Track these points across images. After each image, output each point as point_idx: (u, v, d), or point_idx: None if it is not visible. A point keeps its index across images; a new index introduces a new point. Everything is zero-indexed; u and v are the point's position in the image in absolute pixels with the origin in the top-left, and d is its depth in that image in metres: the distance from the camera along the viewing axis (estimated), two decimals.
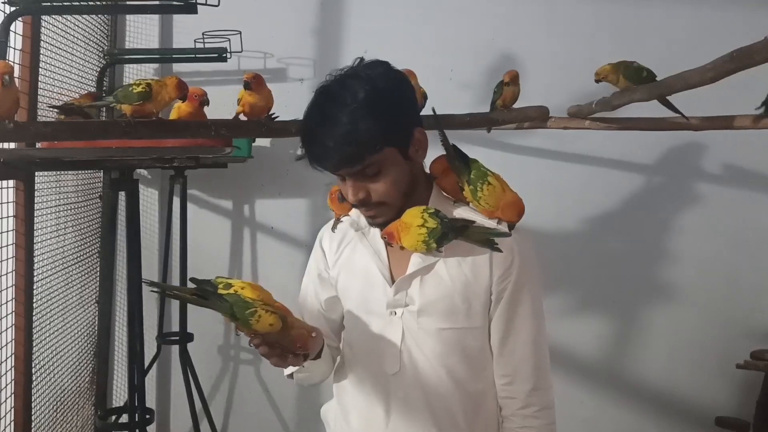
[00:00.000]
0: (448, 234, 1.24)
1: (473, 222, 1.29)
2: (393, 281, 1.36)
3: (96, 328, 2.54)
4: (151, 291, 2.19)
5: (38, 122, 1.24)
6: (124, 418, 2.29)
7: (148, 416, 1.99)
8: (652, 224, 2.75)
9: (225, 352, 2.76)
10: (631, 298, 2.77)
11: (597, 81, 1.78)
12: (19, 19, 1.67)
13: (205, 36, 2.43)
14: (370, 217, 1.35)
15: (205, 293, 1.15)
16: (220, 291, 1.14)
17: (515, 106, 2.05)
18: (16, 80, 1.70)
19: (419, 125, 1.33)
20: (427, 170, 1.41)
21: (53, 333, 2.13)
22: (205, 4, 1.69)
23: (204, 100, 1.61)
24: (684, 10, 2.66)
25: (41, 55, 1.86)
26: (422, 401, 1.34)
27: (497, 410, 1.38)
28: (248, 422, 2.77)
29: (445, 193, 1.41)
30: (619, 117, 2.04)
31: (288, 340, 1.18)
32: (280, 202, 2.73)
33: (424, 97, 1.92)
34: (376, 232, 1.40)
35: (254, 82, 1.65)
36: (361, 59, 1.33)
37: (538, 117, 2.10)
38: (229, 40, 2.47)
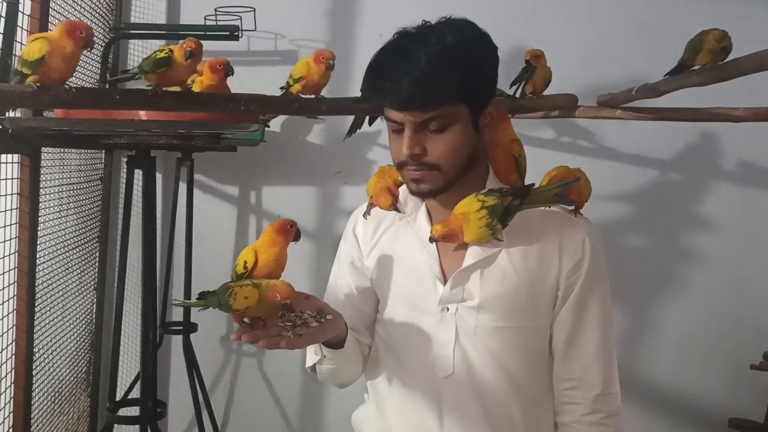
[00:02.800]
0: (512, 206, 1.13)
1: (533, 184, 1.20)
2: (444, 275, 1.24)
3: (93, 317, 2.42)
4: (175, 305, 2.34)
5: (59, 87, 1.12)
6: (126, 411, 2.19)
7: (159, 410, 1.88)
8: (663, 221, 2.69)
9: (227, 343, 2.65)
10: (642, 297, 2.71)
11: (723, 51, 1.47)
12: None
13: (217, 12, 2.32)
14: (415, 181, 1.20)
15: (203, 294, 1.15)
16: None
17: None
18: (19, 45, 1.61)
19: (495, 96, 1.22)
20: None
21: (53, 320, 2.02)
22: None
23: (229, 69, 1.49)
24: (702, 3, 2.60)
25: (49, 24, 1.74)
26: (478, 406, 1.22)
27: (553, 416, 1.27)
28: (249, 416, 2.67)
29: (500, 180, 1.29)
30: (653, 107, 1.97)
31: (269, 307, 1.08)
32: (288, 189, 2.62)
33: None
34: (422, 220, 1.28)
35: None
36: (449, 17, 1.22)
37: (567, 105, 2.03)
38: (241, 17, 2.36)
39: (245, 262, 1.17)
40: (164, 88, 1.30)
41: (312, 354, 1.31)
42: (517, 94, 1.94)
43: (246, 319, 1.11)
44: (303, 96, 1.52)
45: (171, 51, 1.31)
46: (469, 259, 1.21)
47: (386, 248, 1.32)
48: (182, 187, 2.40)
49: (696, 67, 1.50)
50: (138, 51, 2.49)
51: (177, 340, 2.47)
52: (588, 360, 1.23)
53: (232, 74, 1.49)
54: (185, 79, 1.33)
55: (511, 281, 1.20)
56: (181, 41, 1.35)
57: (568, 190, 1.25)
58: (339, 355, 1.26)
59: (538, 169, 1.44)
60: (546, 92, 2.00)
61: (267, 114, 1.95)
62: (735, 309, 2.69)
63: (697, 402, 2.72)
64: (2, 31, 1.44)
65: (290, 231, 1.19)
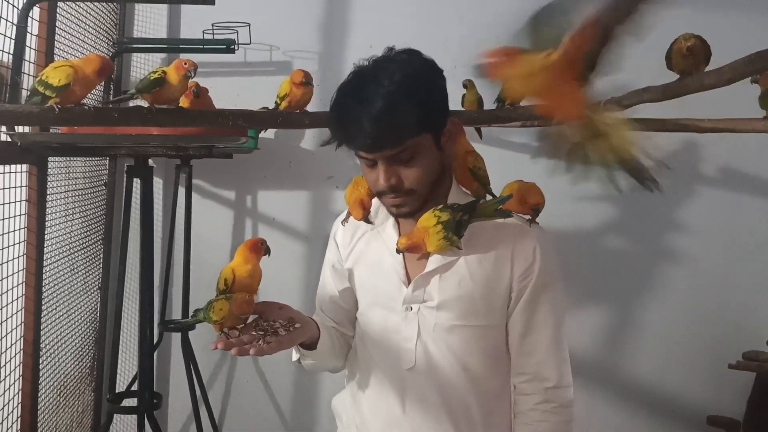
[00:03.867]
0: (462, 220, 1.25)
1: (478, 200, 1.32)
2: (408, 278, 1.36)
3: (98, 315, 2.55)
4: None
5: (65, 107, 1.25)
6: (127, 402, 2.31)
7: (156, 401, 2.02)
8: (647, 224, 2.79)
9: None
10: (625, 297, 2.81)
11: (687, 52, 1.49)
12: (37, 5, 1.68)
13: (214, 27, 2.45)
14: (395, 206, 1.33)
15: (196, 312, 1.33)
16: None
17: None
18: (31, 65, 1.74)
19: (450, 115, 1.33)
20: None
21: (58, 318, 2.15)
22: None
23: (195, 92, 1.60)
24: (684, 13, 2.67)
25: (56, 42, 1.87)
26: (438, 397, 1.35)
27: (511, 407, 1.40)
28: (246, 411, 2.80)
29: (464, 189, 1.42)
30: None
31: (238, 317, 1.25)
32: (282, 194, 2.75)
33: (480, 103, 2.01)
34: (390, 229, 1.41)
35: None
36: (392, 48, 1.33)
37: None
38: (237, 31, 2.48)
39: (225, 280, 1.32)
40: (158, 106, 1.43)
41: (294, 352, 1.46)
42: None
43: (225, 329, 1.25)
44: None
45: (164, 72, 1.43)
46: (430, 265, 1.34)
47: (361, 253, 1.46)
48: (181, 192, 2.53)
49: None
50: (141, 64, 2.62)
51: (176, 338, 2.59)
52: (541, 356, 1.34)
53: (198, 97, 1.58)
54: (177, 97, 1.45)
55: (467, 285, 1.32)
56: (175, 61, 1.47)
57: (537, 203, 1.39)
58: (313, 354, 1.40)
59: (521, 174, 1.53)
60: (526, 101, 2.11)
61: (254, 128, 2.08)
62: (715, 309, 2.78)
63: (677, 400, 2.81)
64: (12, 53, 1.57)
65: (261, 248, 1.34)
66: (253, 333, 1.23)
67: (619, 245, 2.80)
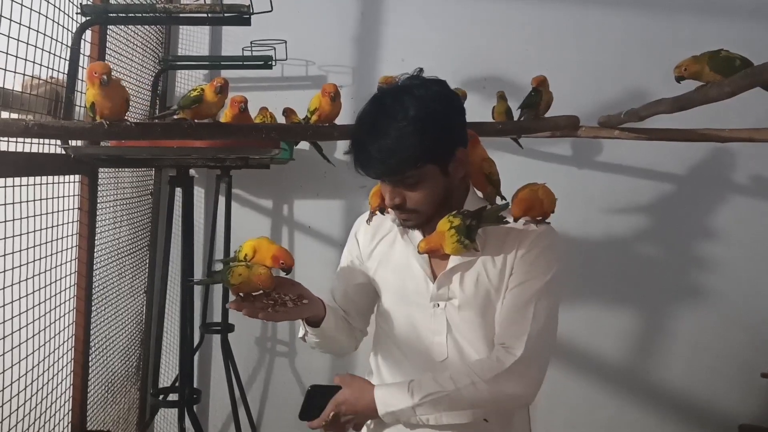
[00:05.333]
0: (472, 224, 1.34)
1: (485, 207, 1.40)
2: (434, 275, 1.45)
3: (143, 317, 2.70)
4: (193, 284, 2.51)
5: (113, 123, 1.37)
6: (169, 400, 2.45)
7: (195, 396, 2.14)
8: (678, 232, 2.82)
9: (262, 343, 2.90)
10: (656, 304, 2.84)
11: (678, 79, 1.49)
12: (89, 28, 1.83)
13: (253, 44, 2.58)
14: (402, 220, 1.45)
15: (212, 273, 1.37)
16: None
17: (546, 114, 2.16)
18: (84, 83, 1.89)
19: (463, 145, 1.41)
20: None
21: (107, 319, 2.29)
22: (257, 13, 1.80)
23: (243, 107, 1.72)
24: (713, 23, 2.72)
25: (106, 61, 2.02)
26: None
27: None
28: (282, 410, 2.91)
29: (478, 192, 1.50)
30: (648, 127, 2.12)
31: (255, 285, 1.34)
32: (317, 202, 2.86)
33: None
34: (415, 230, 1.49)
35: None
36: (421, 70, 1.43)
37: (569, 126, 2.18)
38: (275, 48, 2.61)
39: (246, 255, 1.42)
40: (198, 121, 1.55)
41: (301, 328, 1.56)
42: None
43: (240, 294, 1.36)
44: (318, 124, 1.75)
45: (202, 90, 1.55)
46: (450, 263, 1.44)
47: (384, 254, 1.55)
48: (221, 201, 2.66)
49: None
50: (185, 79, 2.78)
51: (217, 339, 2.72)
52: (516, 330, 1.37)
53: (244, 111, 1.69)
54: (215, 112, 1.58)
55: (483, 283, 1.41)
56: (211, 81, 1.59)
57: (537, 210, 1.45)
58: (317, 332, 1.50)
59: (551, 183, 1.55)
60: (559, 109, 2.16)
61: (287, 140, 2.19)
62: (747, 317, 2.79)
63: (708, 408, 2.82)
64: (67, 72, 1.71)
65: (279, 265, 1.42)
66: (265, 301, 1.35)
67: (651, 253, 2.83)
